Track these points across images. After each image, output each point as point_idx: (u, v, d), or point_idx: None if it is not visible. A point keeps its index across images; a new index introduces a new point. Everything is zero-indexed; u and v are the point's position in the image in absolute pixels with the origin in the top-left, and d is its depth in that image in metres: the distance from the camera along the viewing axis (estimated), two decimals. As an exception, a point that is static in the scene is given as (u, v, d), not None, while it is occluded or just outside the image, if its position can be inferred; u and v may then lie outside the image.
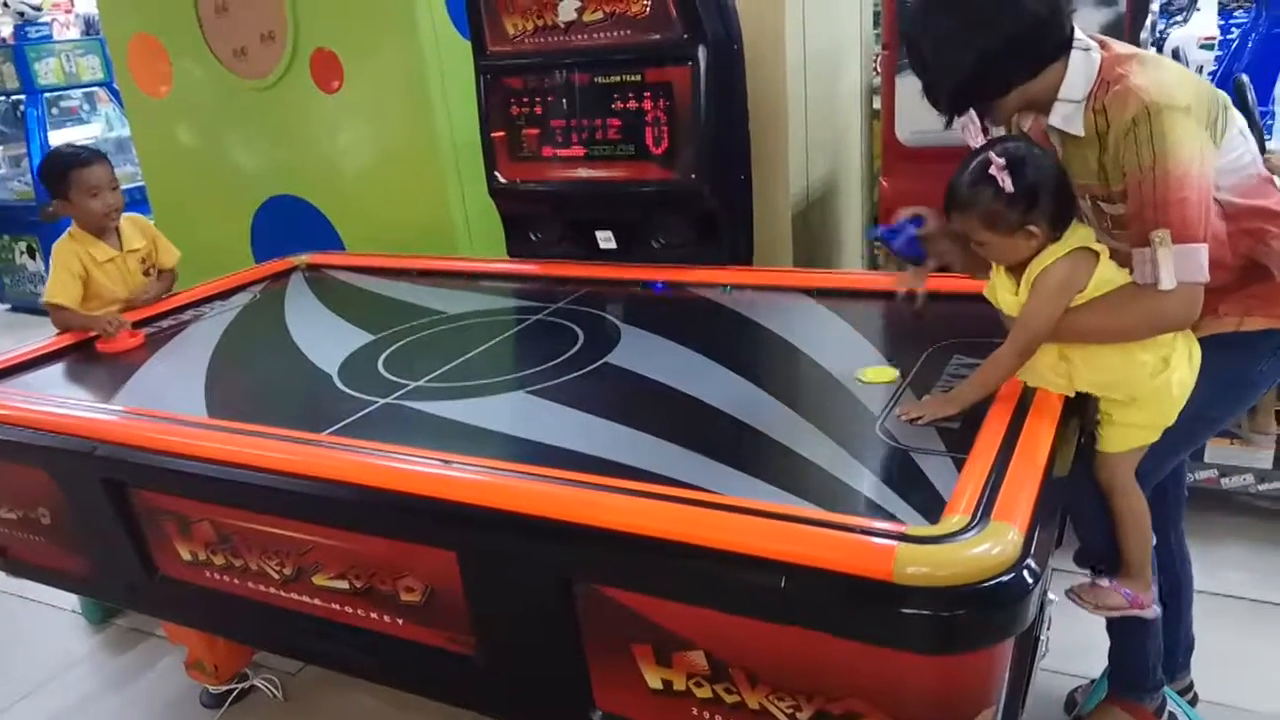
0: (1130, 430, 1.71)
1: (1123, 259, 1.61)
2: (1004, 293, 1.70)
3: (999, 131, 1.79)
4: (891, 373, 1.88)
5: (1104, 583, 1.82)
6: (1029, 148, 1.61)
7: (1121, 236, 1.64)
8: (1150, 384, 1.65)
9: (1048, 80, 1.62)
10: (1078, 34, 1.62)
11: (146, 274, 2.83)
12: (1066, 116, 1.63)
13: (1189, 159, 1.51)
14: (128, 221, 2.80)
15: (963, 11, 1.58)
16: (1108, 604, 1.80)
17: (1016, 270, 1.66)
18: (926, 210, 1.82)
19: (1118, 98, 1.55)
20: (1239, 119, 1.65)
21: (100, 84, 6.56)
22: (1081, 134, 1.63)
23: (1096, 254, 1.62)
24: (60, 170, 2.67)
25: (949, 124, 1.70)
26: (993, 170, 1.54)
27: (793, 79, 3.03)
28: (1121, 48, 1.64)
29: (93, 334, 2.55)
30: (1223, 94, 1.64)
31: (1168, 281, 1.52)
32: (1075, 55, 1.61)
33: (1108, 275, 1.61)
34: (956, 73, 1.61)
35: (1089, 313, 1.61)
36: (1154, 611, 1.82)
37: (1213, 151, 1.57)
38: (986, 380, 1.65)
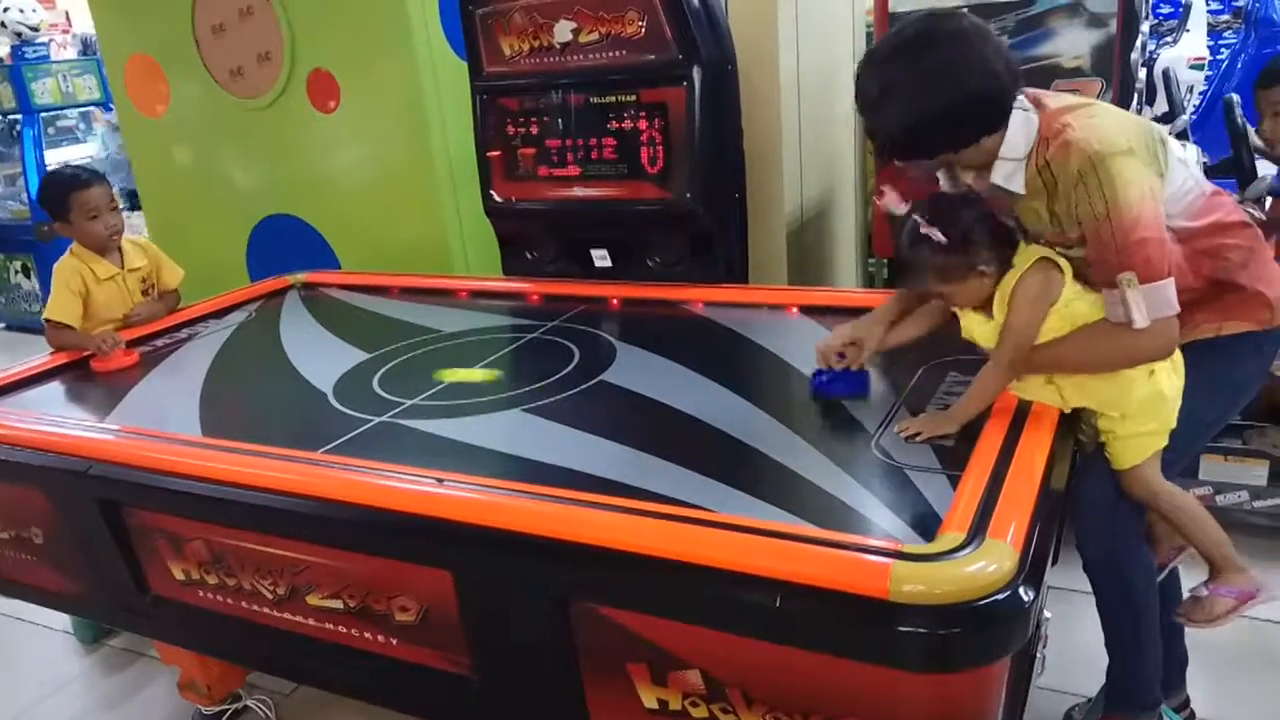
0: (1138, 440, 1.74)
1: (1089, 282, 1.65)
2: (977, 326, 1.72)
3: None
4: (481, 373, 1.83)
5: (1203, 593, 1.83)
6: (949, 197, 1.65)
7: (1084, 277, 1.66)
8: (1138, 396, 1.67)
9: (985, 147, 1.64)
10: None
11: (146, 294, 2.83)
12: (1008, 175, 1.66)
13: (1139, 199, 1.54)
14: (130, 242, 2.81)
15: (914, 70, 1.56)
16: (1219, 612, 1.82)
17: (984, 304, 1.69)
18: (845, 338, 1.89)
19: (1060, 152, 1.59)
20: (1176, 147, 1.69)
21: (97, 103, 6.58)
22: (1023, 192, 1.66)
23: (1060, 266, 1.64)
24: (60, 193, 2.67)
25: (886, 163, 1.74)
26: (923, 230, 1.60)
27: (786, 98, 3.06)
28: (1055, 102, 1.67)
29: (88, 353, 2.55)
30: (1158, 127, 1.68)
31: (1140, 321, 1.56)
32: (1015, 116, 1.63)
33: (1083, 310, 1.64)
34: (891, 125, 1.61)
35: (1068, 348, 1.65)
36: (1269, 589, 1.82)
37: (1160, 186, 1.61)
38: (981, 395, 1.67)
